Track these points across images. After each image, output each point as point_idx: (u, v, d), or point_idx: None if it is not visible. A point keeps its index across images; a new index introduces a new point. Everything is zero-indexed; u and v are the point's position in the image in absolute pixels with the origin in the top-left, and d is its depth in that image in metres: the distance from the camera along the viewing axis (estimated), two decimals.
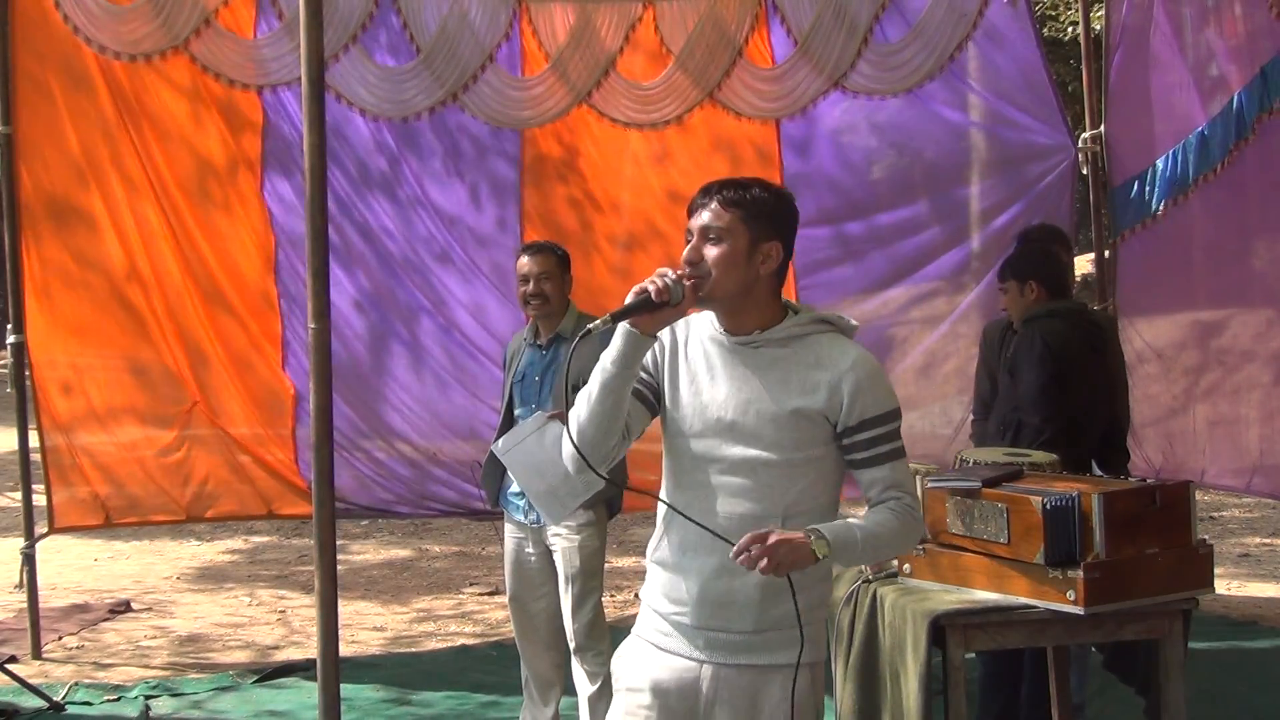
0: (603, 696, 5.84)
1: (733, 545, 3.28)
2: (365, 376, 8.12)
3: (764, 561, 3.23)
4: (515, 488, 5.90)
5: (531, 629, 6.04)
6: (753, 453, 3.42)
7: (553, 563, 5.92)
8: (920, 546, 4.56)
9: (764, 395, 3.43)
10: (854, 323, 3.55)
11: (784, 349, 3.45)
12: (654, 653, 3.57)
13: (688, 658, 3.51)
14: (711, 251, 3.42)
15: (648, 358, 3.53)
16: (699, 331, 3.56)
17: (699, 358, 3.53)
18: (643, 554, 3.73)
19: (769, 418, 3.42)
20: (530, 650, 6.07)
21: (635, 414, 3.53)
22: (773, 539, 3.25)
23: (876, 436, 3.42)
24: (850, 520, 3.43)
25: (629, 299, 3.39)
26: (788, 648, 3.41)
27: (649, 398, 3.56)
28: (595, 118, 8.21)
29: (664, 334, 3.54)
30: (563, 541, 5.84)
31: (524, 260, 5.96)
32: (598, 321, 3.35)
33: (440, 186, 8.17)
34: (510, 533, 6.04)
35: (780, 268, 3.48)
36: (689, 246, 3.45)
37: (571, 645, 5.87)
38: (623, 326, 3.41)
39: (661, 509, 3.58)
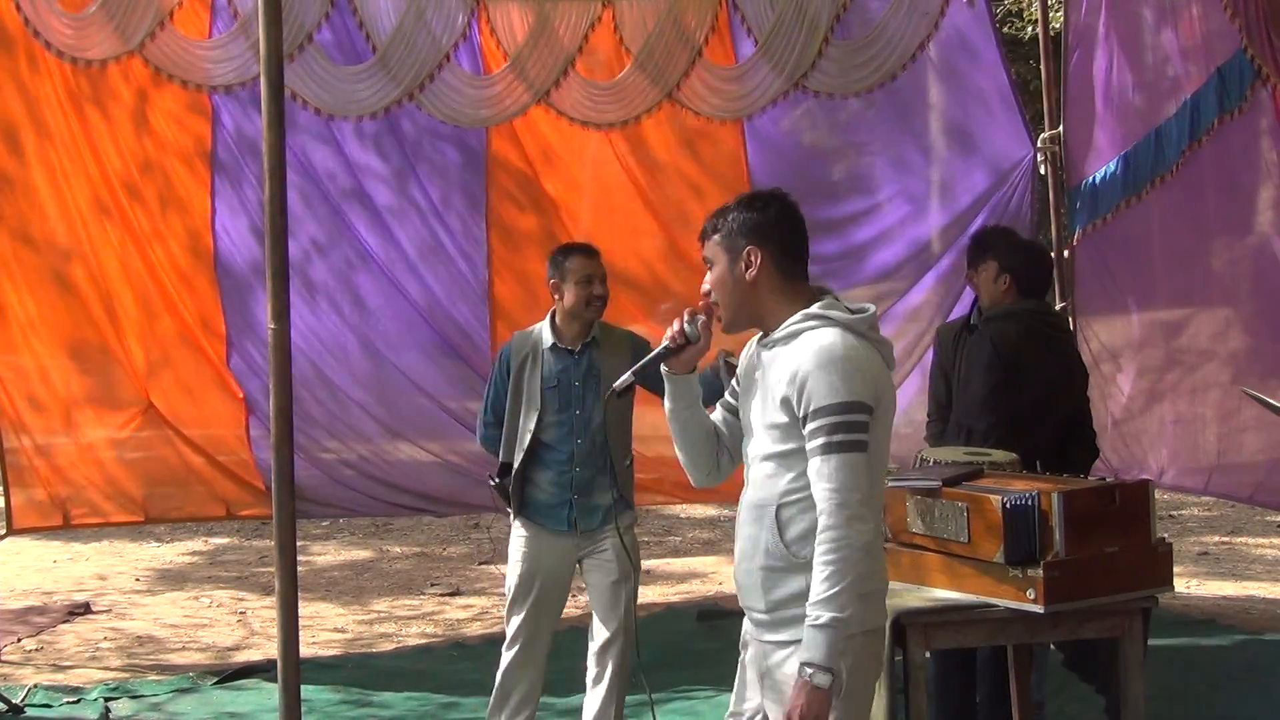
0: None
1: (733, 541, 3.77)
2: (325, 376, 8.06)
3: None
4: (552, 499, 5.77)
5: (539, 645, 5.85)
6: (757, 447, 3.68)
7: (572, 577, 5.88)
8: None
9: (765, 393, 3.65)
10: (854, 314, 3.62)
11: (785, 346, 3.63)
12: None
13: (745, 633, 3.83)
14: (709, 279, 3.72)
15: (741, 373, 3.83)
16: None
17: (751, 368, 3.78)
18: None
19: (767, 412, 3.63)
20: (533, 670, 5.84)
21: (734, 432, 3.87)
22: (795, 716, 3.46)
23: (819, 427, 3.50)
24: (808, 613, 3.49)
25: (656, 350, 3.76)
26: (792, 627, 3.55)
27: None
28: (554, 117, 8.18)
29: (751, 351, 3.79)
30: (616, 540, 5.67)
31: (582, 261, 5.81)
32: (620, 381, 3.86)
33: (400, 185, 8.12)
34: (545, 546, 5.84)
35: (774, 267, 3.67)
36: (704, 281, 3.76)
37: (621, 638, 5.72)
38: (663, 369, 3.77)
39: None
